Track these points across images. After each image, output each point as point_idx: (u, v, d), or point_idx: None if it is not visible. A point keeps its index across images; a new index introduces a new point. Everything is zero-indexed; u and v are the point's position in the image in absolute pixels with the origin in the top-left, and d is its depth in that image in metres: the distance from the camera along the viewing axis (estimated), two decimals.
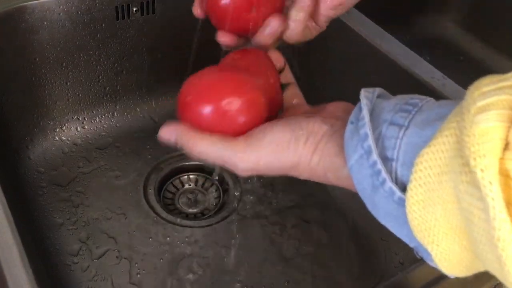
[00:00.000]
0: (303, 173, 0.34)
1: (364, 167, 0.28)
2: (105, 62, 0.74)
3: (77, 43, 0.69)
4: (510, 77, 0.22)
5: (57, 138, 0.74)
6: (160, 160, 0.73)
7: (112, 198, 0.68)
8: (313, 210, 0.70)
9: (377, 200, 0.28)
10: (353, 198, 0.75)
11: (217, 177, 0.63)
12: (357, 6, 0.49)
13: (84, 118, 0.76)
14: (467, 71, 0.91)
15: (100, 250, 0.62)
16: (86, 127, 0.76)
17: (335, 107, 0.35)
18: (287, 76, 0.42)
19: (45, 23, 0.65)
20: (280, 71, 0.41)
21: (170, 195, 0.71)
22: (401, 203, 0.27)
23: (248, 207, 0.69)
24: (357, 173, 0.29)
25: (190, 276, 0.62)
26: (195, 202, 0.70)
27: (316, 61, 0.75)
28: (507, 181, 0.21)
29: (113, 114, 0.77)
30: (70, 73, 0.72)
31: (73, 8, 0.66)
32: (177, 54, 0.79)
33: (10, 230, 0.41)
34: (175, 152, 0.75)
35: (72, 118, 0.75)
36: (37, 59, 0.68)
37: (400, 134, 0.27)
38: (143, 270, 0.61)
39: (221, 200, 0.71)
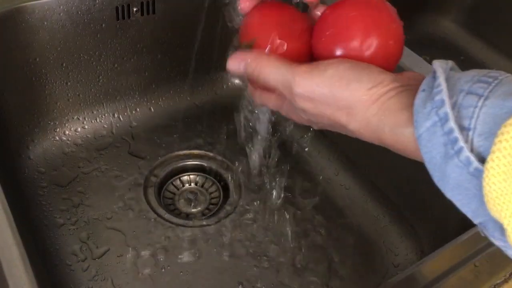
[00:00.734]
0: (353, 121, 0.32)
1: (437, 136, 0.27)
2: (105, 62, 0.74)
3: (77, 43, 0.69)
4: None
5: (58, 138, 0.74)
6: (160, 160, 0.73)
7: (112, 198, 0.68)
8: (314, 211, 0.70)
9: (449, 171, 0.27)
10: (354, 199, 0.75)
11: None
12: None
13: (85, 118, 0.76)
14: None
15: (100, 250, 0.63)
16: (86, 127, 0.76)
17: (408, 75, 0.34)
18: None
19: (45, 23, 0.65)
20: None
21: (170, 195, 0.71)
22: (477, 174, 0.26)
23: (248, 207, 0.69)
24: (428, 141, 0.28)
25: (191, 275, 0.62)
26: (195, 202, 0.70)
27: None
28: None
29: (113, 114, 0.77)
30: (70, 73, 0.72)
31: (73, 8, 0.66)
32: (178, 54, 0.79)
33: (10, 230, 0.41)
34: (175, 152, 0.75)
35: (73, 118, 0.75)
36: (37, 59, 0.68)
37: (479, 104, 0.26)
38: (143, 269, 0.61)
39: (221, 200, 0.71)
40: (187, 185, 0.73)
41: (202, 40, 0.77)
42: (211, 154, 0.75)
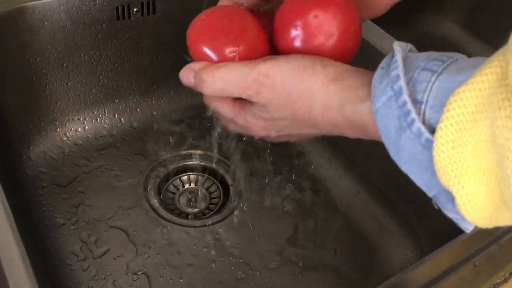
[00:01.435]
0: (316, 104, 0.33)
1: (392, 109, 0.28)
2: (105, 63, 0.74)
3: (78, 43, 0.69)
4: None
5: (58, 138, 0.74)
6: (160, 160, 0.73)
7: (113, 198, 0.68)
8: (314, 211, 0.70)
9: (402, 143, 0.28)
10: (354, 199, 0.75)
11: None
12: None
13: (85, 118, 0.76)
14: None
15: (100, 249, 0.63)
16: (86, 127, 0.76)
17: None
18: None
19: (46, 23, 0.66)
20: None
21: (170, 195, 0.71)
22: (428, 145, 0.26)
23: (248, 207, 0.69)
24: (383, 115, 0.29)
25: (191, 275, 0.62)
26: (195, 202, 0.70)
27: None
28: None
29: (113, 115, 0.77)
30: (70, 73, 0.72)
31: (73, 8, 0.66)
32: (178, 54, 0.79)
33: (10, 230, 0.41)
34: (175, 152, 0.75)
35: (73, 118, 0.75)
36: (38, 59, 0.68)
37: (433, 79, 0.27)
38: (144, 269, 0.61)
39: (221, 200, 0.71)
40: (187, 185, 0.73)
41: None
42: (211, 154, 0.75)
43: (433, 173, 0.27)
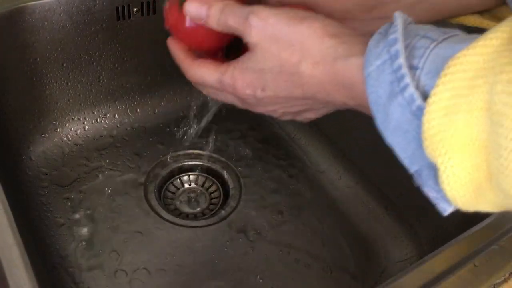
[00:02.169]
0: (307, 58, 0.31)
1: (386, 73, 0.27)
2: (105, 63, 0.74)
3: (78, 43, 0.69)
4: None
5: (58, 139, 0.74)
6: (160, 160, 0.74)
7: (113, 198, 0.68)
8: (313, 212, 0.70)
9: (391, 111, 0.27)
10: (354, 199, 0.75)
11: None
12: None
13: (85, 118, 0.76)
14: None
15: (100, 249, 0.63)
16: (87, 127, 0.76)
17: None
18: None
19: (46, 23, 0.66)
20: None
21: (170, 195, 0.71)
22: (418, 114, 0.25)
23: (248, 207, 0.69)
24: (375, 79, 0.27)
25: (190, 276, 0.62)
26: (195, 202, 0.70)
27: None
28: None
29: (114, 115, 0.77)
30: (70, 74, 0.72)
31: (73, 8, 0.66)
32: None
33: (11, 230, 0.41)
34: (175, 152, 0.75)
35: (73, 118, 0.75)
36: (38, 60, 0.68)
37: (431, 46, 0.26)
38: (144, 269, 0.61)
39: (221, 200, 0.71)
40: (187, 185, 0.73)
41: None
42: (211, 154, 0.75)
43: (418, 145, 0.26)
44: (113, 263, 0.61)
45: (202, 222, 0.67)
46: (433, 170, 0.26)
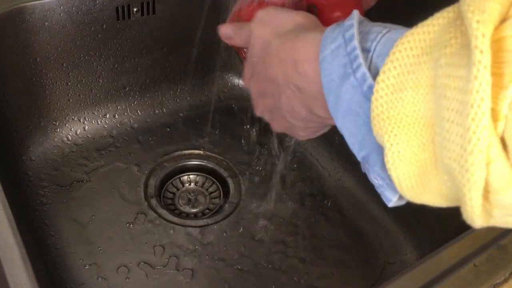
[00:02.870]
0: (279, 34, 0.34)
1: (339, 56, 0.28)
2: (105, 63, 0.74)
3: (78, 43, 0.69)
4: None
5: (58, 139, 0.74)
6: (160, 160, 0.74)
7: (113, 198, 0.68)
8: (314, 211, 0.70)
9: (343, 93, 0.27)
10: (354, 199, 0.75)
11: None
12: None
13: (85, 118, 0.76)
14: None
15: (100, 249, 0.63)
16: (86, 127, 0.76)
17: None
18: None
19: (46, 23, 0.66)
20: None
21: (170, 195, 0.71)
22: (368, 94, 0.26)
23: (248, 207, 0.69)
24: (329, 63, 0.28)
25: (190, 276, 0.62)
26: (195, 202, 0.70)
27: None
28: (497, 56, 0.20)
29: (113, 115, 0.77)
30: (70, 74, 0.72)
31: (73, 8, 0.66)
32: (178, 54, 0.79)
33: (11, 230, 0.41)
34: (175, 152, 0.75)
35: (73, 118, 0.75)
36: (38, 60, 0.68)
37: (384, 31, 0.27)
38: (143, 269, 0.61)
39: (221, 200, 0.71)
40: (187, 185, 0.73)
41: (202, 40, 0.77)
42: (211, 154, 0.75)
43: (368, 129, 0.26)
44: (113, 263, 0.61)
45: (202, 222, 0.67)
46: (381, 154, 0.26)
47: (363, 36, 0.28)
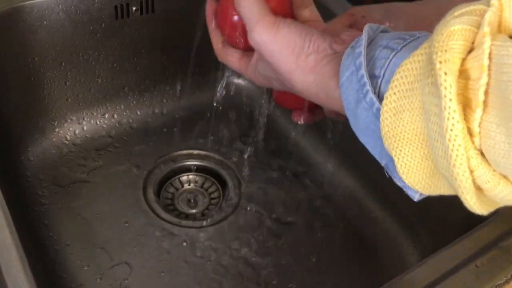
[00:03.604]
0: (296, 83, 0.36)
1: (353, 82, 0.31)
2: (104, 62, 0.73)
3: (76, 42, 0.69)
4: None
5: (57, 139, 0.73)
6: (160, 160, 0.73)
7: (112, 198, 0.68)
8: (314, 212, 0.70)
9: (359, 113, 0.31)
10: (354, 199, 0.75)
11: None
12: (355, 4, 0.49)
13: (84, 118, 0.75)
14: None
15: (99, 249, 0.62)
16: (85, 127, 0.75)
17: (350, 35, 0.37)
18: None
19: (44, 22, 0.65)
20: None
21: (169, 195, 0.71)
22: (378, 115, 0.29)
23: (248, 208, 0.69)
24: (346, 88, 0.32)
25: (190, 276, 0.61)
26: (195, 202, 0.70)
27: None
28: (466, 84, 0.23)
29: (112, 115, 0.77)
30: (69, 73, 0.72)
31: (72, 7, 0.66)
32: (177, 53, 0.79)
33: (9, 230, 0.41)
34: (175, 152, 0.75)
35: (72, 118, 0.75)
36: (36, 59, 0.68)
37: (391, 56, 0.30)
38: (142, 269, 0.61)
39: (220, 201, 0.71)
40: (186, 185, 0.72)
41: (202, 40, 0.77)
42: (210, 154, 0.75)
43: (383, 143, 0.29)
44: (112, 263, 0.61)
45: (202, 223, 0.67)
46: None
47: (373, 63, 0.30)
